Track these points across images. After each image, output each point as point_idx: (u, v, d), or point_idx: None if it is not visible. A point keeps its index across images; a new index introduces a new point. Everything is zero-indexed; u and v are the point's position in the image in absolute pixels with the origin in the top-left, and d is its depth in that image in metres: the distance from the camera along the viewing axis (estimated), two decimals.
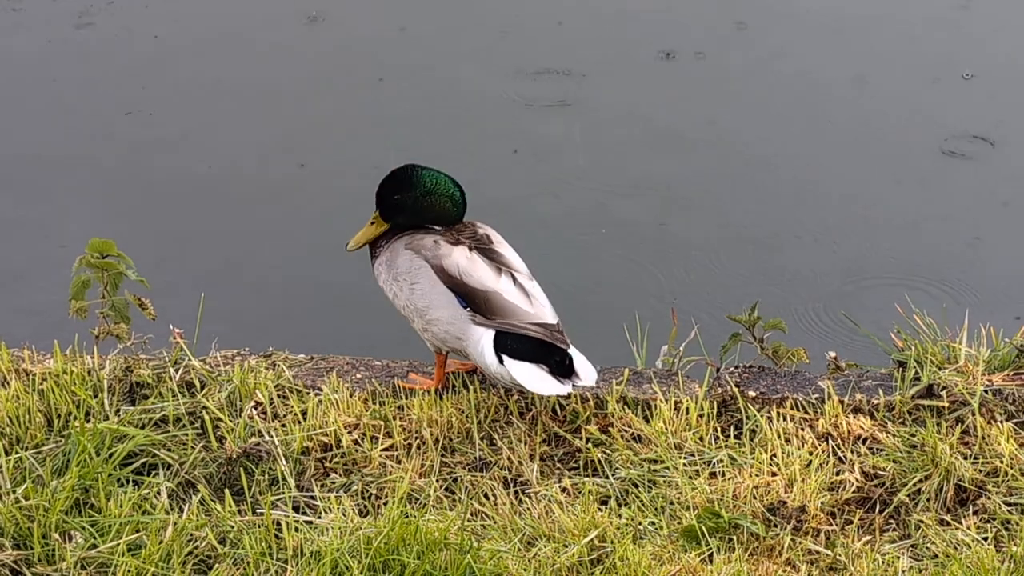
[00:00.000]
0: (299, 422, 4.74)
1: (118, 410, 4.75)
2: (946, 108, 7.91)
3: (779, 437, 4.70)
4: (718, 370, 5.00)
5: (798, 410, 4.81)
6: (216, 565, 4.27)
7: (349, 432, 4.72)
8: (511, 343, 4.62)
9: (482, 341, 4.65)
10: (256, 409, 4.76)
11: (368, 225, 4.88)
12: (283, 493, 4.50)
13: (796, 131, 7.93)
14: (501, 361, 4.61)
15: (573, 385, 4.59)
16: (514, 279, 4.73)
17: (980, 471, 4.59)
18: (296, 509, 4.46)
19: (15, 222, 7.42)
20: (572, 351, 4.64)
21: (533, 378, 4.57)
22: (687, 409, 4.79)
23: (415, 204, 4.81)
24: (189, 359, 4.94)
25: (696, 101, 8.14)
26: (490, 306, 4.66)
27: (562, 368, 4.59)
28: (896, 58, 8.24)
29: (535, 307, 4.67)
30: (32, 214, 7.48)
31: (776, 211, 7.46)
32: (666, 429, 4.74)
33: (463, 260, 4.72)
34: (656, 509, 4.52)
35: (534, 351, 4.61)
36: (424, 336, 4.81)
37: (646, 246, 7.21)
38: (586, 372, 4.62)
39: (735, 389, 4.86)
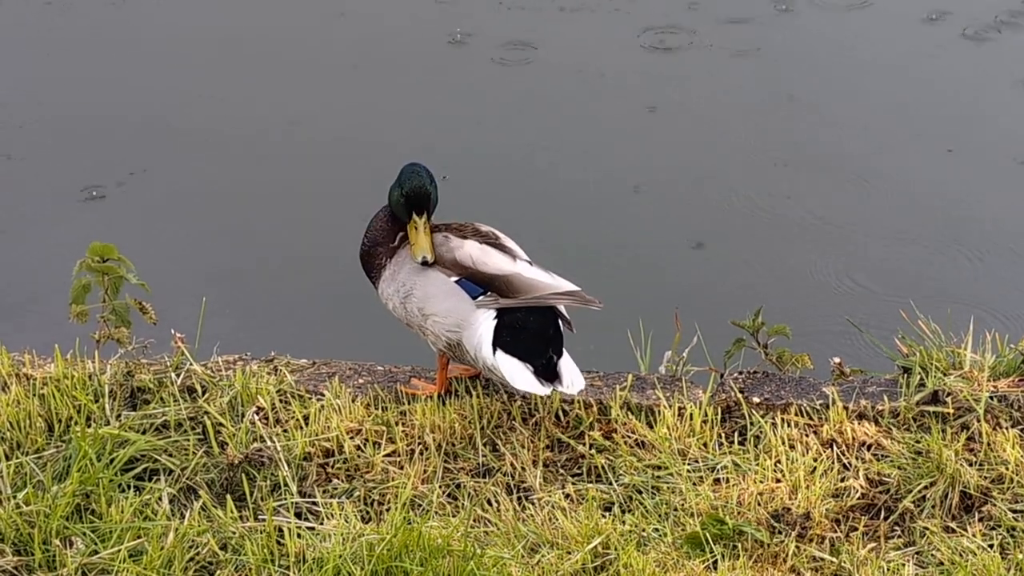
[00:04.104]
0: (301, 427, 4.72)
1: (119, 415, 4.73)
2: None
3: (783, 443, 4.68)
4: (722, 376, 4.97)
5: (802, 416, 4.79)
6: (218, 571, 4.25)
7: (351, 438, 4.70)
8: (508, 338, 4.62)
9: (480, 330, 4.65)
10: (258, 414, 4.73)
11: (424, 234, 4.75)
12: (285, 499, 4.48)
13: (801, 137, 7.93)
14: (494, 353, 4.61)
15: (554, 389, 4.59)
16: (529, 263, 4.75)
17: (985, 478, 4.57)
18: (298, 515, 4.44)
19: (14, 224, 7.41)
20: (565, 360, 4.64)
21: (517, 373, 4.58)
22: (691, 415, 4.76)
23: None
24: (190, 364, 4.91)
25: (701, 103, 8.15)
26: (512, 287, 4.67)
27: (546, 371, 4.59)
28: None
29: (556, 280, 4.70)
30: (31, 216, 7.46)
31: (778, 214, 7.44)
32: (670, 435, 4.72)
33: (476, 250, 4.73)
34: (660, 516, 4.50)
35: (525, 350, 4.61)
36: (426, 337, 4.79)
37: (649, 250, 7.20)
38: (570, 380, 4.61)
39: (739, 395, 4.84)
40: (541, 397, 4.80)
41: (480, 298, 4.68)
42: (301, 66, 8.48)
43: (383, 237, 4.82)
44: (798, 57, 8.45)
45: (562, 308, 4.74)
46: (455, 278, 4.71)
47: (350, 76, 8.41)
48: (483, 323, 4.66)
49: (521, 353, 4.61)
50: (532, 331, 4.64)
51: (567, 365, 4.64)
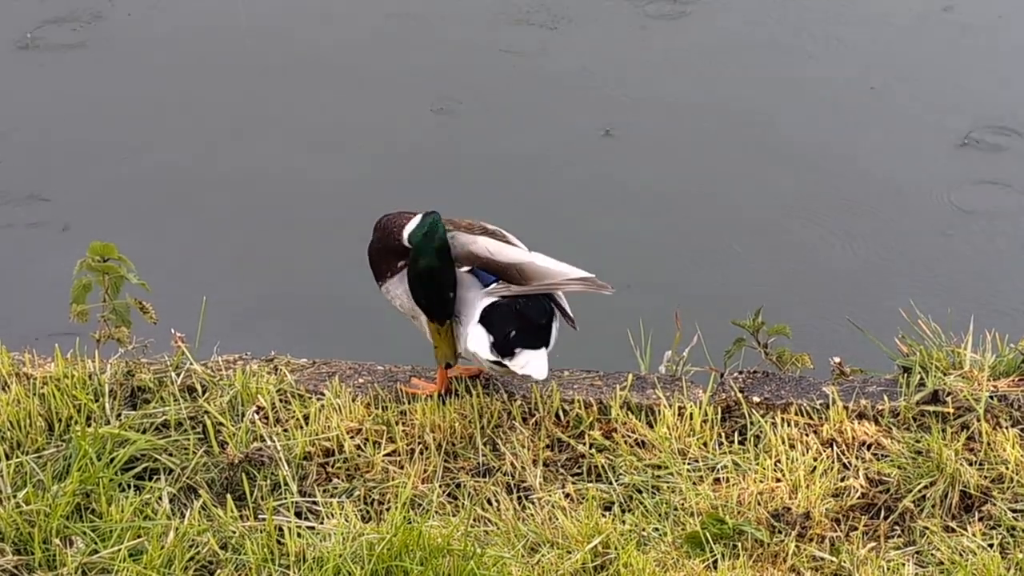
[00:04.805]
0: (301, 427, 4.72)
1: (119, 414, 4.73)
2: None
3: (783, 443, 4.68)
4: (722, 375, 4.97)
5: (802, 416, 4.79)
6: (218, 571, 4.25)
7: (351, 437, 4.70)
8: (490, 316, 4.63)
9: (475, 315, 4.66)
10: (258, 414, 4.73)
11: (437, 335, 4.72)
12: (285, 499, 4.48)
13: (804, 138, 7.94)
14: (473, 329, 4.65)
15: (500, 363, 4.58)
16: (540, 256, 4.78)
17: (985, 477, 4.57)
18: (298, 515, 4.44)
19: (15, 224, 7.42)
20: (540, 352, 4.61)
21: (475, 338, 4.61)
22: (691, 415, 4.76)
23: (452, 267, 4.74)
24: (191, 363, 4.91)
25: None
26: (525, 274, 4.68)
27: (502, 345, 4.59)
28: None
29: (567, 267, 4.73)
30: (33, 217, 7.47)
31: (779, 215, 7.45)
32: (670, 435, 4.72)
33: (491, 243, 4.74)
34: (660, 515, 4.50)
35: (495, 324, 4.61)
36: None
37: (650, 250, 7.21)
38: (524, 362, 4.59)
39: (739, 395, 4.84)
40: (541, 396, 4.80)
41: (492, 286, 4.68)
42: (298, 62, 8.49)
43: (393, 255, 4.78)
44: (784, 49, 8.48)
45: (565, 304, 4.74)
46: (466, 268, 4.71)
47: (348, 75, 8.42)
48: (480, 308, 4.66)
49: (490, 326, 4.62)
50: (514, 312, 4.63)
51: (535, 354, 4.61)
